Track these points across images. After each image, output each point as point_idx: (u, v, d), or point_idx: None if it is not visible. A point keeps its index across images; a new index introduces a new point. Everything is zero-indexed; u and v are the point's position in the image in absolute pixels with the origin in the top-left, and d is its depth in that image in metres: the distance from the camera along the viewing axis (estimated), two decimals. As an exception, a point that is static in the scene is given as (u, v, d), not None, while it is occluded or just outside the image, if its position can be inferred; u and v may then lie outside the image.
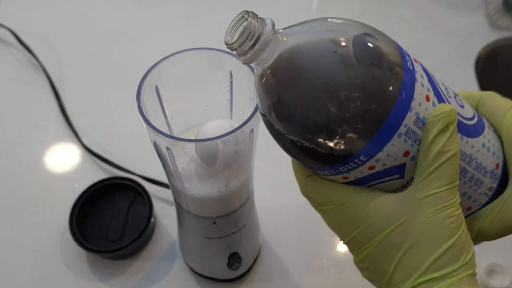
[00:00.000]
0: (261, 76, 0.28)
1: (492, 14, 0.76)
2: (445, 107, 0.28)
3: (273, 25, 0.28)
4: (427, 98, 0.28)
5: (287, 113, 0.28)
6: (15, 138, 0.63)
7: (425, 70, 0.29)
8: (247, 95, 0.37)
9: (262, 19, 0.27)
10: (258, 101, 0.30)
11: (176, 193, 0.40)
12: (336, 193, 0.30)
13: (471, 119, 0.32)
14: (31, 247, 0.52)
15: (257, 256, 0.51)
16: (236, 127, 0.32)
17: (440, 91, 0.30)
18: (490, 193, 0.33)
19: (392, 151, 0.27)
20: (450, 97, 0.31)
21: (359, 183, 0.30)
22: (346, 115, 0.26)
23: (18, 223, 0.55)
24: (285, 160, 0.59)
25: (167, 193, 0.56)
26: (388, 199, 0.29)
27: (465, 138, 0.30)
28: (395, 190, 0.30)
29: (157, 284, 0.50)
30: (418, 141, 0.28)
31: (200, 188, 0.37)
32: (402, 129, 0.27)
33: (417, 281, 0.27)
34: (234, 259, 0.46)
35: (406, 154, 0.28)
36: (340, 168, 0.28)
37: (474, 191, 0.32)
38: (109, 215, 0.52)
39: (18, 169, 0.60)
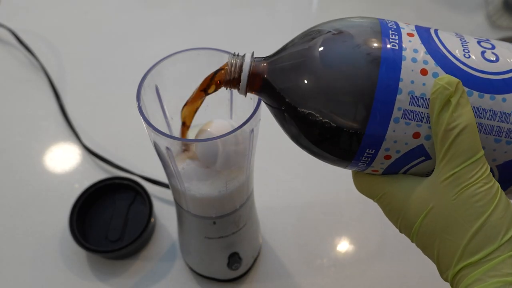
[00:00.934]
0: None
1: (492, 14, 0.76)
2: (440, 80, 0.25)
3: (252, 55, 0.30)
4: (423, 72, 0.26)
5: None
6: (15, 138, 0.63)
7: (425, 36, 0.28)
8: (247, 95, 0.37)
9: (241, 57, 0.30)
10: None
11: (176, 193, 0.40)
12: (374, 186, 0.29)
13: (505, 73, 0.28)
14: (31, 247, 0.52)
15: (257, 256, 0.51)
16: (236, 127, 0.32)
17: (450, 52, 0.27)
18: None
19: (397, 136, 0.26)
20: (469, 51, 0.28)
21: (391, 172, 0.29)
22: (332, 112, 0.26)
23: (18, 223, 0.55)
24: (285, 160, 0.59)
25: (167, 193, 0.56)
26: (417, 186, 0.28)
27: (487, 96, 0.27)
28: (429, 173, 0.28)
29: (157, 284, 0.50)
30: (425, 118, 0.26)
31: (200, 188, 0.37)
32: (396, 113, 0.26)
33: (457, 267, 0.26)
34: (234, 259, 0.46)
35: (416, 135, 0.26)
36: (359, 164, 0.28)
37: None
38: (109, 215, 0.52)
39: (18, 169, 0.60)
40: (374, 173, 0.30)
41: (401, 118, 0.26)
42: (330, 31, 0.28)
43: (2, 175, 0.59)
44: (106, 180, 0.54)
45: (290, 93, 0.28)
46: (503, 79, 0.27)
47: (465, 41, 0.29)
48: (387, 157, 0.27)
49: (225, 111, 0.41)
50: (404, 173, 0.29)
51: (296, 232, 0.54)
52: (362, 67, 0.26)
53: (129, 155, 0.60)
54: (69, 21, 0.78)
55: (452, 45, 0.28)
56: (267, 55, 0.30)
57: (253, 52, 0.31)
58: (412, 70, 0.26)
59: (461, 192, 0.26)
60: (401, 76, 0.26)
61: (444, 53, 0.27)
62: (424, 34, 0.28)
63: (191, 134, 0.39)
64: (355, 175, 0.32)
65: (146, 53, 0.72)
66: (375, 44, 0.26)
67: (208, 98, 0.40)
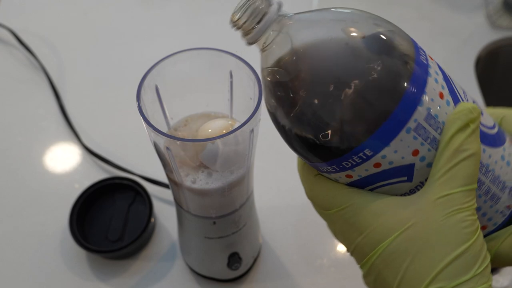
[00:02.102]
0: (269, 65, 0.28)
1: (492, 14, 0.76)
2: (467, 104, 0.26)
3: (280, 6, 0.27)
4: (441, 95, 0.26)
5: (291, 102, 0.27)
6: (15, 138, 0.63)
7: (441, 69, 0.28)
8: (247, 95, 0.37)
9: (269, 0, 0.27)
10: (263, 92, 0.30)
11: (176, 193, 0.40)
12: (340, 195, 0.28)
13: (492, 128, 0.30)
14: (31, 247, 0.52)
15: (257, 256, 0.51)
16: (236, 127, 0.32)
17: (457, 92, 0.28)
18: (507, 213, 0.30)
19: (400, 147, 0.26)
20: (468, 100, 0.29)
21: (363, 183, 0.28)
22: (351, 103, 0.25)
23: (18, 223, 0.55)
24: (285, 160, 0.59)
25: (167, 193, 0.56)
26: (395, 202, 0.27)
27: (482, 146, 0.28)
28: (402, 195, 0.28)
29: (157, 284, 0.50)
30: (429, 139, 0.26)
31: (200, 188, 0.37)
32: (411, 124, 0.25)
33: None
34: (234, 259, 0.46)
35: (415, 153, 0.26)
36: (344, 163, 0.27)
37: (489, 207, 0.30)
38: (109, 215, 0.52)
39: (18, 169, 0.60)
40: (347, 179, 0.28)
41: (413, 130, 0.26)
42: (371, 34, 0.27)
43: (2, 175, 0.59)
44: (106, 180, 0.54)
45: (310, 73, 0.27)
46: (492, 134, 0.29)
47: (460, 88, 0.30)
48: (377, 165, 0.27)
49: (225, 111, 0.41)
50: (372, 189, 0.28)
51: (296, 232, 0.54)
52: (397, 66, 0.26)
53: (129, 155, 0.60)
54: (69, 21, 0.78)
55: (457, 84, 0.29)
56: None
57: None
58: (434, 89, 0.26)
59: (452, 215, 0.25)
60: (425, 90, 0.26)
61: (454, 87, 0.28)
62: (436, 61, 0.28)
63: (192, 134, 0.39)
64: (316, 179, 0.30)
65: (146, 53, 0.72)
66: (410, 50, 0.26)
67: (208, 98, 0.40)
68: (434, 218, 0.25)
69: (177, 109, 0.40)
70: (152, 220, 0.51)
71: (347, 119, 0.26)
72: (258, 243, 0.50)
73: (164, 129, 0.40)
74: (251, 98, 0.36)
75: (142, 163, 0.58)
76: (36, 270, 0.51)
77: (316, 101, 0.26)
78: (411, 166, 0.27)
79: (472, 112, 0.26)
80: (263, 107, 0.34)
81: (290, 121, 0.28)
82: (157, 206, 0.55)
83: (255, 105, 0.33)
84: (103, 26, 0.77)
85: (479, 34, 0.75)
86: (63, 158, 0.60)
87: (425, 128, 0.26)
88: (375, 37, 0.26)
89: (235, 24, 0.27)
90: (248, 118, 0.32)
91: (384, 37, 0.27)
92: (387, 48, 0.26)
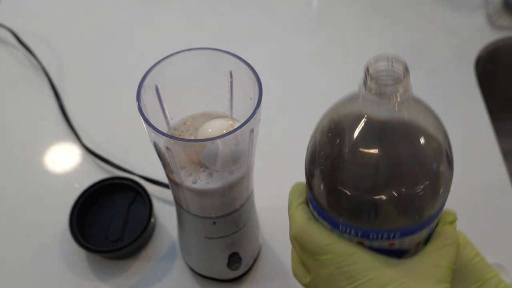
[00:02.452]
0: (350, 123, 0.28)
1: (492, 14, 0.76)
2: (452, 211, 0.34)
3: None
4: None
5: (354, 166, 0.28)
6: (15, 138, 0.63)
7: None
8: (247, 95, 0.37)
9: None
10: (316, 141, 0.30)
11: (176, 193, 0.40)
12: (342, 243, 0.30)
13: None
14: (31, 247, 0.52)
15: (257, 256, 0.51)
16: (236, 127, 0.32)
17: None
18: None
19: (416, 238, 0.30)
20: None
21: (367, 247, 0.30)
22: (408, 198, 0.28)
23: (18, 223, 0.55)
24: (285, 160, 0.59)
25: (167, 193, 0.56)
26: (392, 261, 0.30)
27: None
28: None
29: (157, 284, 0.50)
30: (431, 232, 0.31)
31: (200, 188, 0.37)
32: (433, 224, 0.30)
33: None
34: (234, 259, 0.46)
35: (418, 243, 0.31)
36: (371, 235, 0.29)
37: None
38: (109, 215, 0.52)
39: (18, 169, 0.60)
40: (355, 240, 0.30)
41: (428, 227, 0.31)
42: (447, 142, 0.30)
43: (2, 175, 0.59)
44: (106, 180, 0.54)
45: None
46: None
47: None
48: (391, 244, 0.30)
49: (225, 111, 0.41)
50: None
51: (296, 232, 0.54)
52: (450, 182, 0.30)
53: (129, 155, 0.60)
54: (69, 21, 0.78)
55: None
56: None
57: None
58: None
59: (439, 282, 0.29)
60: None
61: None
62: None
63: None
64: (313, 222, 0.31)
65: (146, 53, 0.72)
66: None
67: (208, 98, 0.40)
68: (425, 281, 0.29)
69: (177, 109, 0.40)
70: (152, 220, 0.51)
71: (398, 208, 0.28)
72: (258, 243, 0.50)
73: (164, 129, 0.40)
74: (251, 98, 0.36)
75: (142, 163, 0.58)
76: (36, 270, 0.51)
77: (377, 182, 0.28)
78: (407, 251, 0.31)
79: (456, 216, 0.33)
80: (263, 107, 0.34)
81: (343, 180, 0.29)
82: (157, 206, 0.55)
83: (255, 105, 0.33)
84: (103, 26, 0.77)
85: (479, 34, 0.75)
86: (63, 158, 0.60)
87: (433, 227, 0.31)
88: (447, 147, 0.30)
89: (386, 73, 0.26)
90: (248, 118, 0.32)
91: (445, 148, 0.30)
92: (450, 160, 0.30)
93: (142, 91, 0.34)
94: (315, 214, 0.32)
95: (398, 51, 0.72)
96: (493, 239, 0.53)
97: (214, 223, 0.41)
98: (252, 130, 0.34)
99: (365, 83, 0.26)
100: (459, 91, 0.67)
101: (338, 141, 0.28)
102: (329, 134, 0.29)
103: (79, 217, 0.51)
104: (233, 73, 0.38)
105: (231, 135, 0.32)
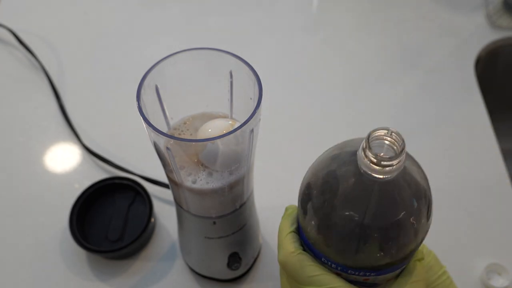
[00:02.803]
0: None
1: (492, 14, 0.76)
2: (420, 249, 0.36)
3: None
4: None
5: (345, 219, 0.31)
6: (15, 138, 0.63)
7: None
8: (247, 95, 0.37)
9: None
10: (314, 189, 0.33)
11: (176, 193, 0.40)
12: (328, 276, 0.33)
13: None
14: (31, 247, 0.52)
15: (257, 256, 0.51)
16: (236, 127, 0.32)
17: None
18: None
19: (389, 276, 0.33)
20: None
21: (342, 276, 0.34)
22: (385, 250, 0.31)
23: (18, 223, 0.55)
24: (285, 160, 0.59)
25: (167, 193, 0.56)
26: None
27: None
28: None
29: (157, 284, 0.50)
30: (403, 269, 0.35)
31: (200, 188, 0.37)
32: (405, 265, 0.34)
33: None
34: (234, 259, 0.46)
35: (390, 279, 0.34)
36: (349, 271, 0.32)
37: None
38: (109, 215, 0.52)
39: (18, 169, 0.60)
40: (334, 271, 0.34)
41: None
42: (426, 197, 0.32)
43: (2, 175, 0.59)
44: (106, 180, 0.54)
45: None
46: None
47: None
48: (366, 279, 0.33)
49: (225, 111, 0.41)
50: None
51: (296, 232, 0.54)
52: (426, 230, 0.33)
53: (129, 155, 0.60)
54: (69, 21, 0.78)
55: None
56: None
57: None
58: None
59: None
60: None
61: None
62: None
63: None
64: (303, 254, 0.34)
65: (146, 53, 0.72)
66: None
67: (208, 98, 0.40)
68: None
69: (177, 109, 0.40)
70: (152, 220, 0.51)
71: (381, 254, 0.31)
72: (258, 243, 0.50)
73: (164, 129, 0.40)
74: (251, 98, 0.36)
75: (142, 163, 0.58)
76: (36, 270, 0.51)
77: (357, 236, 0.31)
78: (377, 284, 0.35)
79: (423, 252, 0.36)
80: (263, 107, 0.34)
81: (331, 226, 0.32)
82: (157, 206, 0.55)
83: (255, 105, 0.33)
84: (103, 26, 0.77)
85: (479, 34, 0.75)
86: (63, 158, 0.60)
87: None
88: (425, 198, 0.32)
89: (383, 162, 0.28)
90: (248, 118, 0.32)
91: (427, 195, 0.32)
92: (429, 209, 0.32)
93: (142, 91, 0.34)
94: (303, 242, 0.35)
95: (398, 51, 0.72)
96: (493, 239, 0.53)
97: (214, 223, 0.41)
98: (252, 130, 0.34)
99: (364, 150, 0.28)
100: (459, 91, 0.67)
101: (330, 190, 0.31)
102: (323, 183, 0.32)
103: (79, 217, 0.51)
104: (233, 73, 0.38)
105: (231, 135, 0.32)
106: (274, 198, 0.56)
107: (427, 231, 0.32)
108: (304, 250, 0.35)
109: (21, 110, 0.66)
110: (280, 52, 0.73)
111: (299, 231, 0.36)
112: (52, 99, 0.66)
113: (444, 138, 0.61)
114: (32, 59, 0.71)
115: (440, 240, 0.53)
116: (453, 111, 0.65)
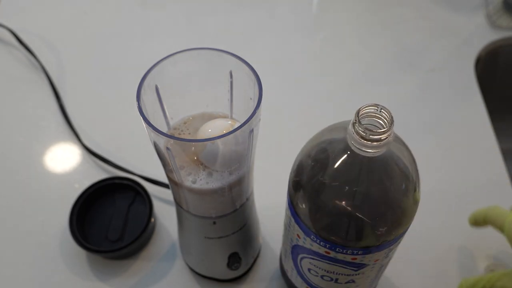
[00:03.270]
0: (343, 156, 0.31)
1: (492, 14, 0.76)
2: None
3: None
4: None
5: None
6: (15, 138, 0.63)
7: None
8: (247, 95, 0.37)
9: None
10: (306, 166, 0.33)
11: (176, 193, 0.40)
12: None
13: None
14: (31, 247, 0.52)
15: (257, 256, 0.51)
16: (236, 127, 0.32)
17: None
18: None
19: (376, 256, 0.34)
20: None
21: (331, 260, 0.35)
22: (373, 227, 0.31)
23: (18, 223, 0.55)
24: (285, 160, 0.59)
25: (167, 193, 0.56)
26: None
27: None
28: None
29: (157, 284, 0.50)
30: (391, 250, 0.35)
31: (200, 188, 0.37)
32: (393, 246, 0.34)
33: None
34: (234, 259, 0.46)
35: (377, 260, 0.35)
36: (337, 249, 0.33)
37: None
38: (109, 215, 0.52)
39: (18, 169, 0.60)
40: (323, 250, 0.34)
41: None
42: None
43: (2, 175, 0.59)
44: (106, 180, 0.54)
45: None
46: None
47: None
48: (354, 258, 0.34)
49: (225, 111, 0.41)
50: None
51: (296, 232, 0.54)
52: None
53: (129, 155, 0.60)
54: (69, 21, 0.78)
55: None
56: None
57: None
58: None
59: None
60: None
61: None
62: None
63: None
64: None
65: (146, 53, 0.72)
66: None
67: (208, 98, 0.40)
68: None
69: (177, 109, 0.40)
70: (152, 220, 0.51)
71: (370, 229, 0.32)
72: (258, 243, 0.50)
73: (164, 129, 0.40)
74: (251, 98, 0.36)
75: (142, 163, 0.58)
76: (36, 270, 0.51)
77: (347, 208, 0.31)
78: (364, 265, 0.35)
79: None
80: (263, 107, 0.34)
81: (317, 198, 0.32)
82: (157, 206, 0.55)
83: (255, 105, 0.33)
84: (103, 26, 0.77)
85: (479, 34, 0.75)
86: (63, 158, 0.60)
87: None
88: (410, 176, 0.33)
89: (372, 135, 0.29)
90: (248, 118, 0.32)
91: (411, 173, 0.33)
92: (414, 187, 0.32)
93: (142, 91, 0.34)
94: (292, 220, 0.35)
95: (398, 51, 0.72)
96: (493, 239, 0.53)
97: (214, 223, 0.41)
98: (252, 130, 0.34)
99: (353, 125, 0.29)
100: (459, 91, 0.67)
101: (321, 167, 0.32)
102: (315, 158, 0.33)
103: (79, 217, 0.51)
104: (233, 73, 0.38)
105: (231, 135, 0.32)
106: (274, 198, 0.56)
107: (415, 212, 0.33)
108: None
109: (21, 110, 0.66)
110: (280, 52, 0.73)
111: (289, 207, 0.36)
112: (52, 99, 0.66)
113: (444, 138, 0.61)
114: (32, 59, 0.71)
115: (440, 240, 0.53)
116: (453, 111, 0.65)
